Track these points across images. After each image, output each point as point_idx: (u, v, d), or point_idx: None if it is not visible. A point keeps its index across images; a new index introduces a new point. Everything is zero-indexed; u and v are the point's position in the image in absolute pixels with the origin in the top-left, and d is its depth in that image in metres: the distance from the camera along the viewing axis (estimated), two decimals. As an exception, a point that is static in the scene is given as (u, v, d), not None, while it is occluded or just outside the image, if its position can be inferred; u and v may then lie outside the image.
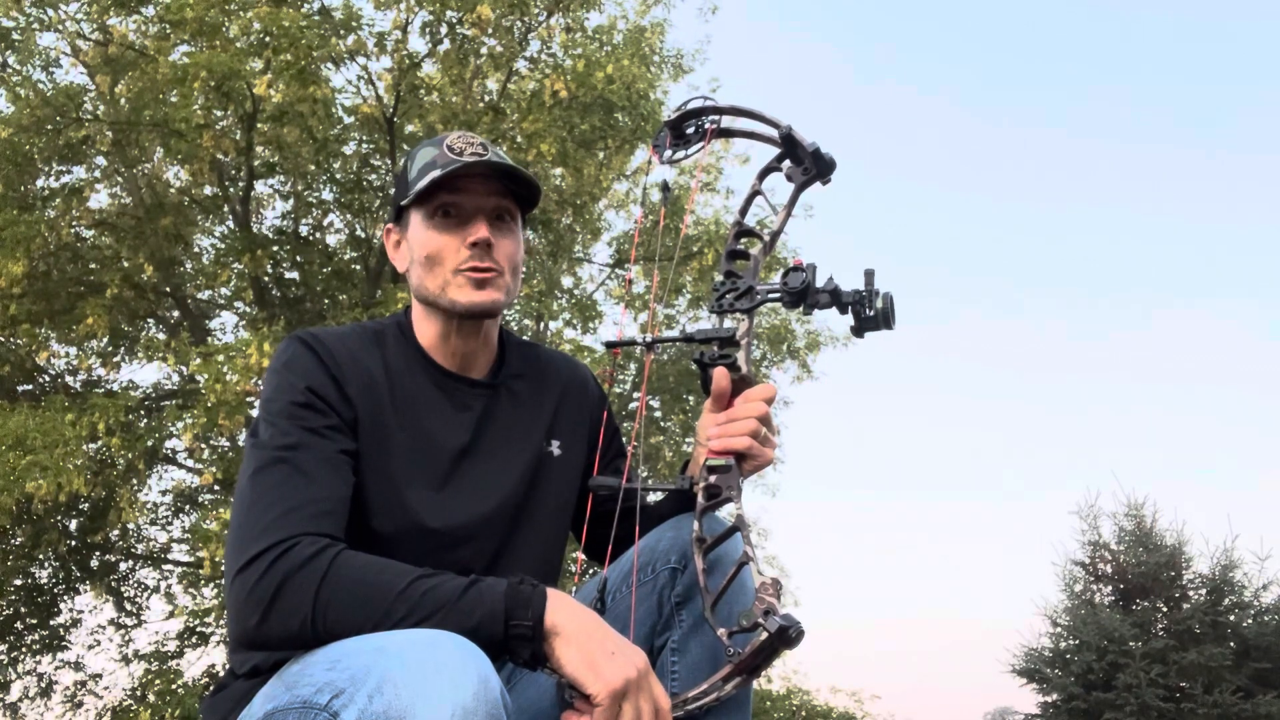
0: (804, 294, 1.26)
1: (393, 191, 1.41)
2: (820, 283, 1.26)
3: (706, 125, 1.43)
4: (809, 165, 1.34)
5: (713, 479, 1.24)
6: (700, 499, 1.23)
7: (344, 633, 0.99)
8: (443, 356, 1.36)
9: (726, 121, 1.44)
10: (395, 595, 1.00)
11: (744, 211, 1.39)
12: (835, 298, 1.25)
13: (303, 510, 1.10)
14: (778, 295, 1.28)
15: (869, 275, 1.25)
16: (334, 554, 1.05)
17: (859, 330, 1.26)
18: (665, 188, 1.43)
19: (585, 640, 0.99)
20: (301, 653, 1.02)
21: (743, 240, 1.37)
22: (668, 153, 1.45)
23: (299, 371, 1.23)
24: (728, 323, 1.33)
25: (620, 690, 0.98)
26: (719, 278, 1.34)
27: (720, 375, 1.29)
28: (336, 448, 1.19)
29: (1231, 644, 6.88)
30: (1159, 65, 20.67)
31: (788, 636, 1.02)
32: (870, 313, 1.24)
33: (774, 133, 1.37)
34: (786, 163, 1.36)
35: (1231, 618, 7.00)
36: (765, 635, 1.01)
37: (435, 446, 1.30)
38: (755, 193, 1.40)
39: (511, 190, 1.35)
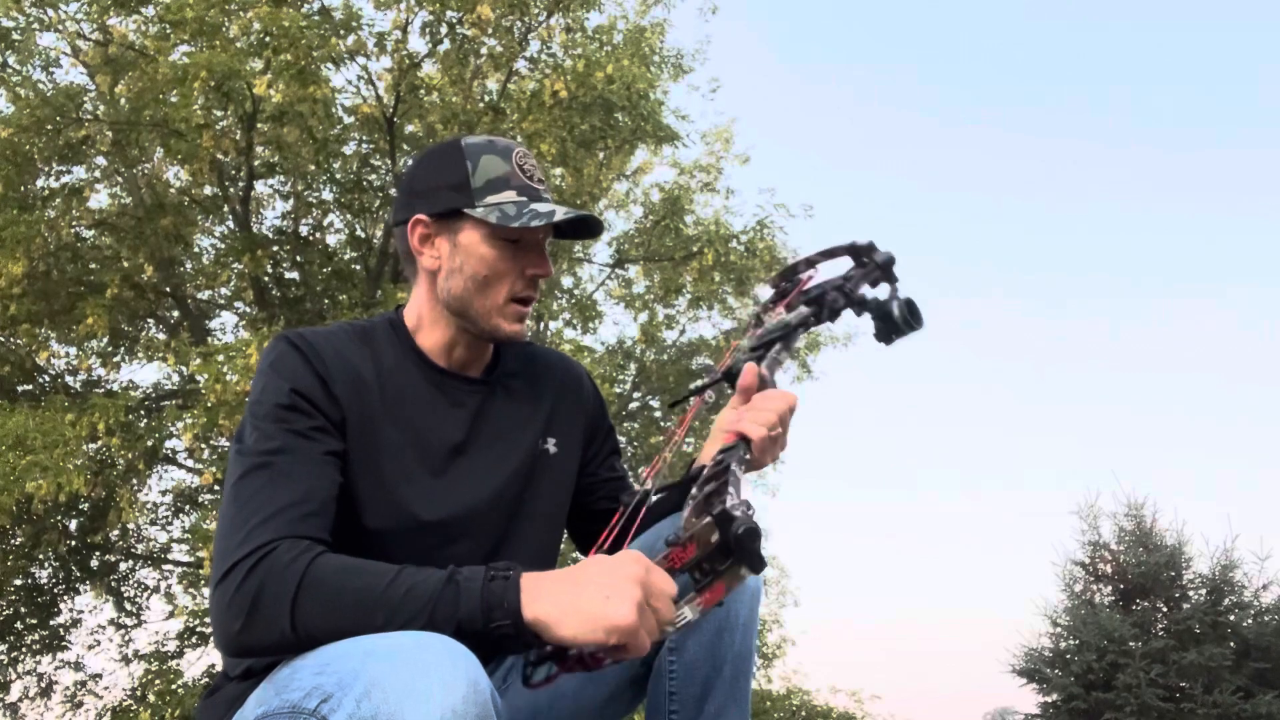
0: (821, 300, 1.35)
1: (403, 184, 1.38)
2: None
3: (805, 281, 1.51)
4: (870, 263, 1.44)
5: (721, 457, 1.24)
6: (707, 468, 1.23)
7: (323, 638, 0.98)
8: (442, 357, 1.35)
9: (818, 272, 1.52)
10: (372, 600, 0.99)
11: (816, 297, 1.45)
12: (849, 298, 1.32)
13: (284, 514, 1.09)
14: (805, 315, 1.36)
15: (889, 276, 1.32)
16: (310, 558, 1.03)
17: (884, 337, 1.31)
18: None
19: (574, 615, 0.96)
20: (292, 655, 1.01)
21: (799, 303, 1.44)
22: (769, 307, 1.51)
23: (285, 373, 1.22)
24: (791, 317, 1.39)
25: (634, 625, 0.95)
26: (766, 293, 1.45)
27: (749, 370, 1.31)
28: (322, 449, 1.18)
29: (1231, 644, 6.87)
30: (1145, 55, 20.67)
31: (728, 520, 0.93)
32: (891, 321, 1.31)
33: (845, 262, 1.47)
34: (855, 270, 1.46)
35: (1231, 618, 7.00)
36: (709, 519, 0.94)
37: (429, 442, 1.29)
38: (833, 288, 1.46)
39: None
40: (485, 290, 1.29)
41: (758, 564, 0.95)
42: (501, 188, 1.28)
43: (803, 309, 1.33)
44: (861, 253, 1.45)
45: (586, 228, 1.35)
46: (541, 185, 1.32)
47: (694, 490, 1.19)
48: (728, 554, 0.94)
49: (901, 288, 1.30)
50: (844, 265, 1.49)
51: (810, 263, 1.50)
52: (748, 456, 1.24)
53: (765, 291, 1.55)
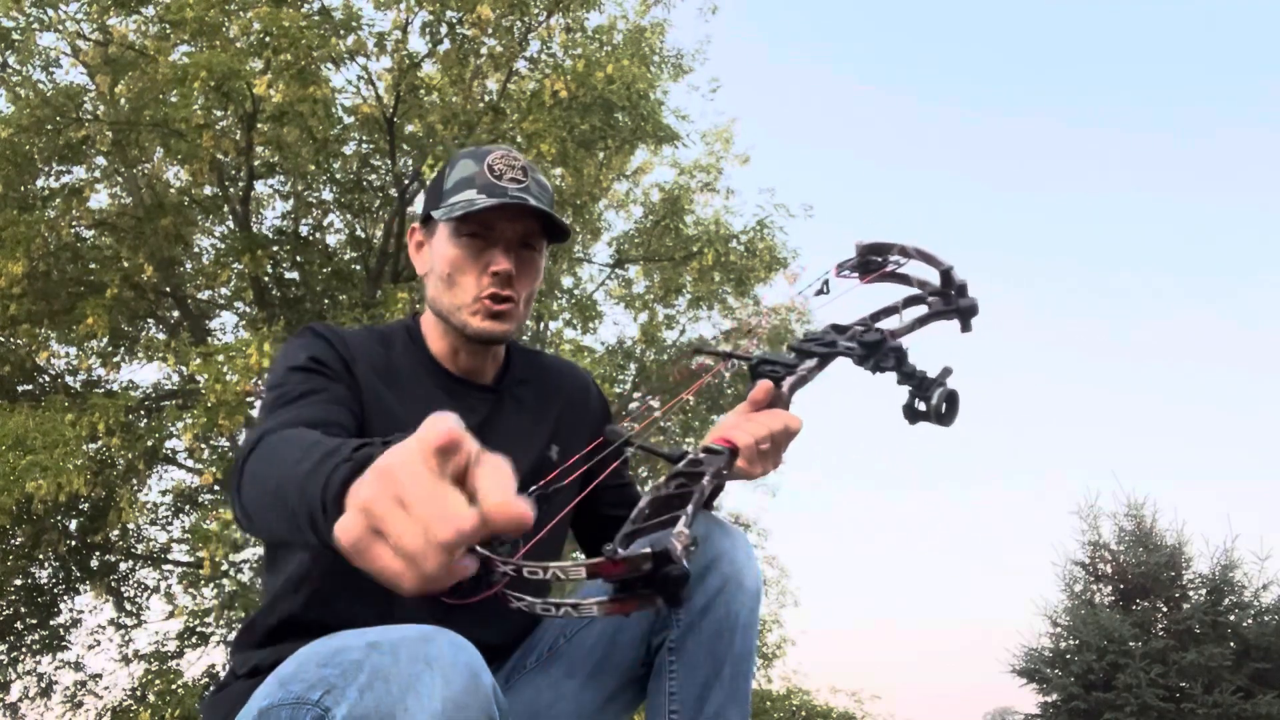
0: (876, 347, 1.30)
1: (424, 191, 1.42)
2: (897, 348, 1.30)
3: (889, 266, 1.48)
4: (953, 301, 1.41)
5: (703, 457, 1.24)
6: (680, 465, 1.22)
7: (259, 521, 0.98)
8: (451, 365, 1.38)
9: (908, 268, 1.48)
10: (276, 484, 0.93)
11: (876, 317, 1.42)
12: (900, 362, 1.28)
13: (289, 422, 1.10)
14: (852, 346, 1.32)
15: (945, 371, 1.28)
16: (262, 434, 1.02)
17: (910, 415, 1.29)
18: (825, 289, 1.44)
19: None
20: (296, 651, 1.02)
21: (858, 329, 1.40)
22: (846, 271, 1.48)
23: (307, 348, 1.26)
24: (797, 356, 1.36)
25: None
26: (817, 328, 1.38)
27: (762, 386, 1.32)
28: (343, 401, 1.21)
29: (1231, 644, 6.88)
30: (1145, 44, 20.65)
31: (665, 560, 0.90)
32: (923, 406, 1.28)
33: (935, 274, 1.43)
34: (934, 298, 1.43)
35: (1231, 618, 7.00)
36: (648, 550, 0.91)
37: None
38: (894, 309, 1.43)
39: (542, 221, 1.34)
40: (451, 288, 1.31)
41: (675, 603, 0.95)
42: (465, 187, 1.31)
43: (856, 348, 1.30)
44: (951, 284, 1.41)
45: (549, 222, 1.33)
46: (514, 184, 1.31)
47: (663, 481, 1.19)
48: (650, 585, 0.94)
49: (953, 380, 1.28)
50: (928, 273, 1.44)
51: (905, 251, 1.47)
52: (727, 470, 1.23)
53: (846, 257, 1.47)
